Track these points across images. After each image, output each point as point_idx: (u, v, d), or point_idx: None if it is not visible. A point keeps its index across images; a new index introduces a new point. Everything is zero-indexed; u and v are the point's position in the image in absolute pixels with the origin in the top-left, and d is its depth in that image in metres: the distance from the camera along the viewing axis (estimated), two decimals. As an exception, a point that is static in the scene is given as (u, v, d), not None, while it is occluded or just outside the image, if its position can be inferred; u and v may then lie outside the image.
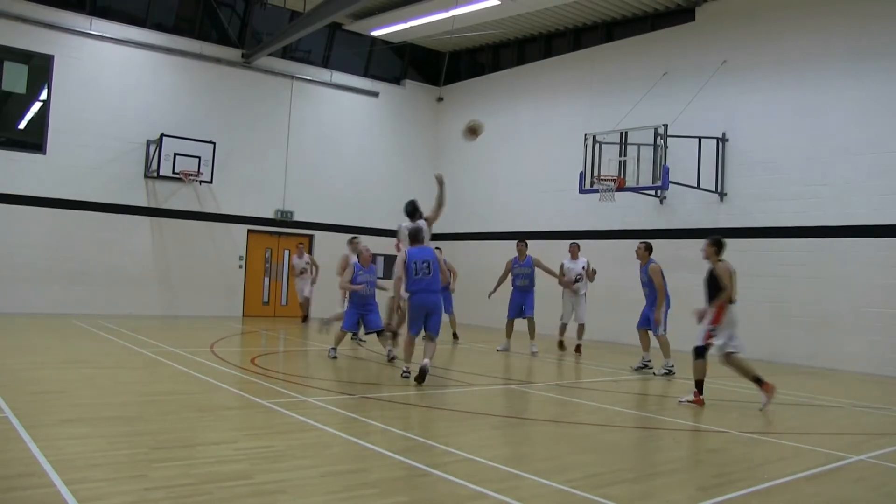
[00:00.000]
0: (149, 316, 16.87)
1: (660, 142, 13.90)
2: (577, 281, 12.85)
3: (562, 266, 13.02)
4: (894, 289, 12.38)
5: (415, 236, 9.30)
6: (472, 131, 10.73)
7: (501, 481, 4.79)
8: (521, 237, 13.67)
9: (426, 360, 8.71)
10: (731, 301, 8.53)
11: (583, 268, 12.86)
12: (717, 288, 8.54)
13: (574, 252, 13.18)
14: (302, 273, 17.02)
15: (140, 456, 4.94)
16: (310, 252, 18.89)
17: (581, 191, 15.11)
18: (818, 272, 13.30)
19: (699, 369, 8.24)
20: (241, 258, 18.86)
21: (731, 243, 14.42)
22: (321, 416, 6.62)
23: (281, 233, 19.65)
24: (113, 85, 17.13)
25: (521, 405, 8.17)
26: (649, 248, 11.17)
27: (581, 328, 13.05)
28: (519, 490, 4.61)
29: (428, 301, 8.91)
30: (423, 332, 9.05)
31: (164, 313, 17.40)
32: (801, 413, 8.38)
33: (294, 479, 4.60)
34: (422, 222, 10.08)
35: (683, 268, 15.23)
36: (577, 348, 12.93)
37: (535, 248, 14.29)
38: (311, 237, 20.07)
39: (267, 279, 19.51)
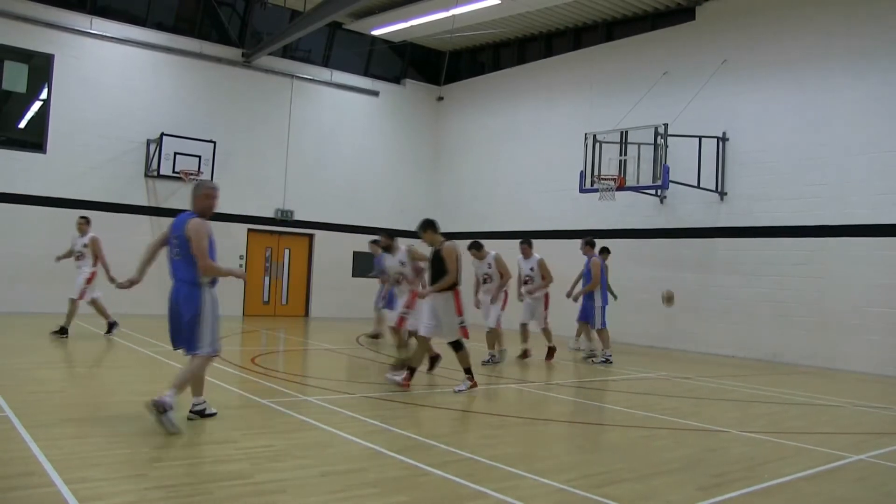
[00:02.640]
0: (149, 315, 16.85)
1: (660, 141, 13.90)
2: (526, 282, 11.85)
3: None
4: (894, 288, 12.38)
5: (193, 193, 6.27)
6: (669, 299, 12.35)
7: (501, 480, 4.79)
8: (522, 236, 13.60)
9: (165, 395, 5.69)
10: (456, 284, 8.43)
11: (531, 269, 11.81)
12: (443, 271, 8.35)
13: (526, 251, 12.11)
14: (78, 258, 12.93)
15: (140, 455, 4.94)
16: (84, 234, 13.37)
17: (581, 190, 15.12)
18: (818, 271, 13.30)
19: (464, 357, 8.40)
20: (241, 257, 18.85)
21: (731, 243, 14.62)
22: (321, 415, 6.61)
23: (281, 232, 19.64)
24: (113, 84, 17.13)
25: (521, 405, 8.17)
26: (591, 244, 12.28)
27: (545, 332, 12.08)
28: (519, 489, 4.61)
29: (171, 294, 6.24)
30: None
31: (165, 312, 17.34)
32: (802, 412, 8.37)
33: (294, 479, 4.60)
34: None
35: (683, 267, 15.28)
36: (550, 353, 12.05)
37: (535, 247, 14.21)
38: (311, 236, 20.08)
39: (267, 278, 19.51)
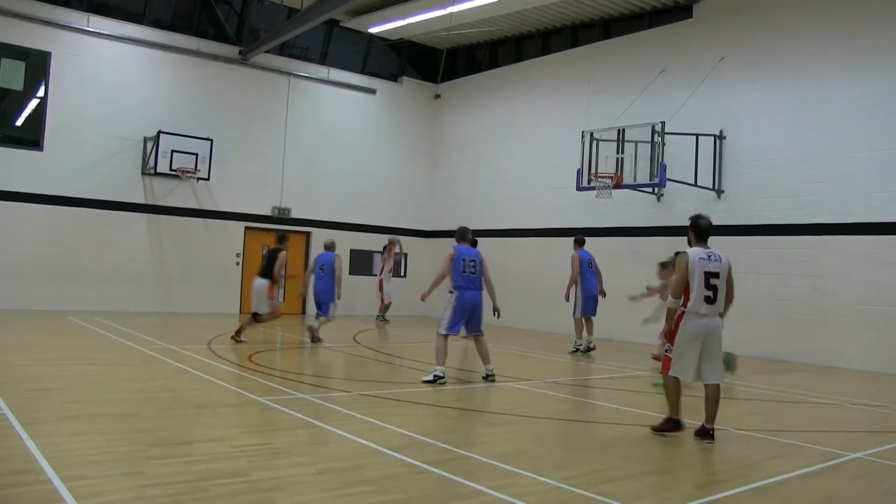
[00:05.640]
0: (146, 313, 16.84)
1: (657, 139, 13.90)
2: None
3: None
4: (892, 286, 12.39)
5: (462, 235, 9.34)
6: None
7: (499, 478, 4.79)
8: (519, 234, 13.70)
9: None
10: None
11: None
12: None
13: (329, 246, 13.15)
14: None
15: (137, 453, 4.94)
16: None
17: (578, 188, 15.11)
18: (816, 269, 13.31)
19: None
20: (238, 255, 18.84)
21: (728, 241, 14.58)
22: (318, 412, 6.61)
23: (279, 230, 19.58)
24: (110, 82, 17.09)
25: (519, 402, 8.17)
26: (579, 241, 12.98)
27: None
28: (516, 487, 4.61)
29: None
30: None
31: (162, 310, 17.38)
32: (798, 410, 8.39)
33: (291, 476, 4.60)
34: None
35: (681, 265, 15.25)
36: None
37: (533, 245, 14.33)
38: (308, 234, 20.06)
39: (264, 276, 19.44)
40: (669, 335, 6.44)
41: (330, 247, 12.95)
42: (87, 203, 16.70)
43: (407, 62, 22.08)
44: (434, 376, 8.71)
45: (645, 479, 4.98)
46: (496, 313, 9.29)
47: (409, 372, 10.01)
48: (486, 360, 9.24)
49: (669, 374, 6.43)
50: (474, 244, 9.99)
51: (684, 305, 6.30)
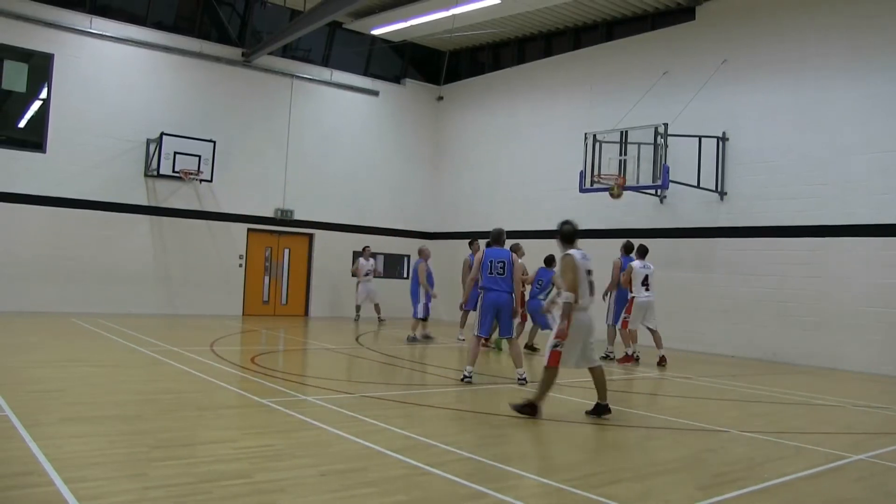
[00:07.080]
0: (149, 315, 16.86)
1: (660, 141, 13.89)
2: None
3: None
4: (894, 288, 12.38)
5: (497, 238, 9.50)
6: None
7: (501, 480, 4.79)
8: (521, 236, 13.69)
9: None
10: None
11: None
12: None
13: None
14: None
15: (139, 454, 4.94)
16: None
17: (581, 190, 15.10)
18: (817, 271, 13.30)
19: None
20: (241, 257, 18.85)
21: (730, 242, 14.62)
22: (321, 414, 6.61)
23: (281, 232, 19.64)
24: (113, 83, 17.13)
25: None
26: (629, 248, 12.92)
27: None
28: (518, 489, 4.61)
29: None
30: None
31: (164, 312, 17.40)
32: (801, 412, 8.37)
33: (293, 478, 4.60)
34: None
35: (683, 266, 15.29)
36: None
37: (535, 247, 14.28)
38: (311, 236, 20.08)
39: (267, 278, 19.50)
40: (563, 333, 6.90)
41: (419, 254, 14.60)
42: (90, 205, 16.72)
43: (410, 64, 22.10)
44: (463, 375, 9.08)
45: (648, 481, 4.97)
46: (514, 314, 9.34)
47: (412, 374, 10.01)
48: (517, 364, 9.23)
49: (558, 366, 6.95)
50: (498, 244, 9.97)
51: (575, 301, 6.89)
